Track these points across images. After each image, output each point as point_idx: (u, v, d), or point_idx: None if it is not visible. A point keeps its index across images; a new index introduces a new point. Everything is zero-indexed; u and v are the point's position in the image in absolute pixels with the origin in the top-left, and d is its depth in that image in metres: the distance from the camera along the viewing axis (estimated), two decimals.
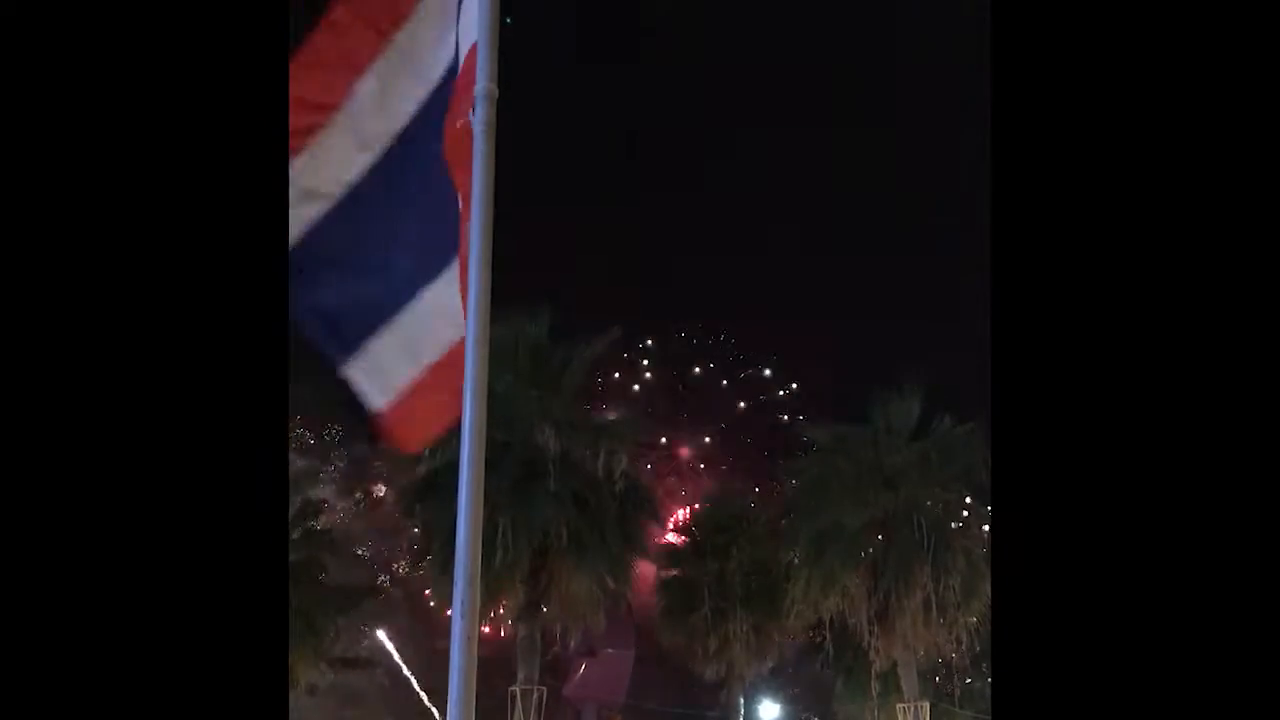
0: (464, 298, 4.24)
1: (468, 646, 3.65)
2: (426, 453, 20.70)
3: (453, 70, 4.41)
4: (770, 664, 28.79)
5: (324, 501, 29.23)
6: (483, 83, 4.17)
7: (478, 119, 4.14)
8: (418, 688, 48.76)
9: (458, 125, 4.25)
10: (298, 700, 24.42)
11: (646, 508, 23.55)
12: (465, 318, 4.14)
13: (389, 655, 48.66)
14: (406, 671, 49.41)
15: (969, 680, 27.43)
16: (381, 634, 50.39)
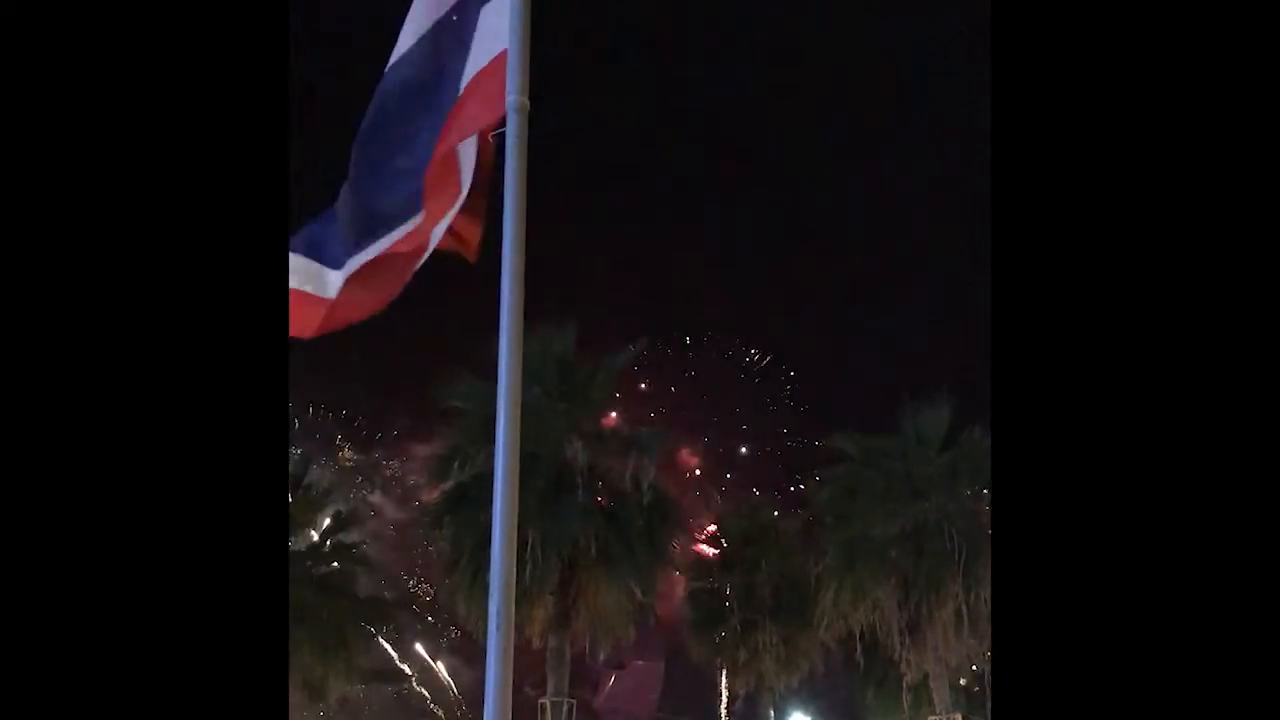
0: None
1: (503, 658, 3.63)
2: (456, 465, 20.76)
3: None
4: (800, 676, 28.58)
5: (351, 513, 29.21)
6: (513, 95, 4.11)
7: (509, 132, 4.09)
8: (455, 688, 48.68)
9: (489, 139, 4.23)
10: (319, 713, 24.42)
11: (674, 520, 23.47)
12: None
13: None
14: (448, 678, 49.35)
15: None
16: (386, 645, 50.42)
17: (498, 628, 3.64)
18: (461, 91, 4.34)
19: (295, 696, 21.55)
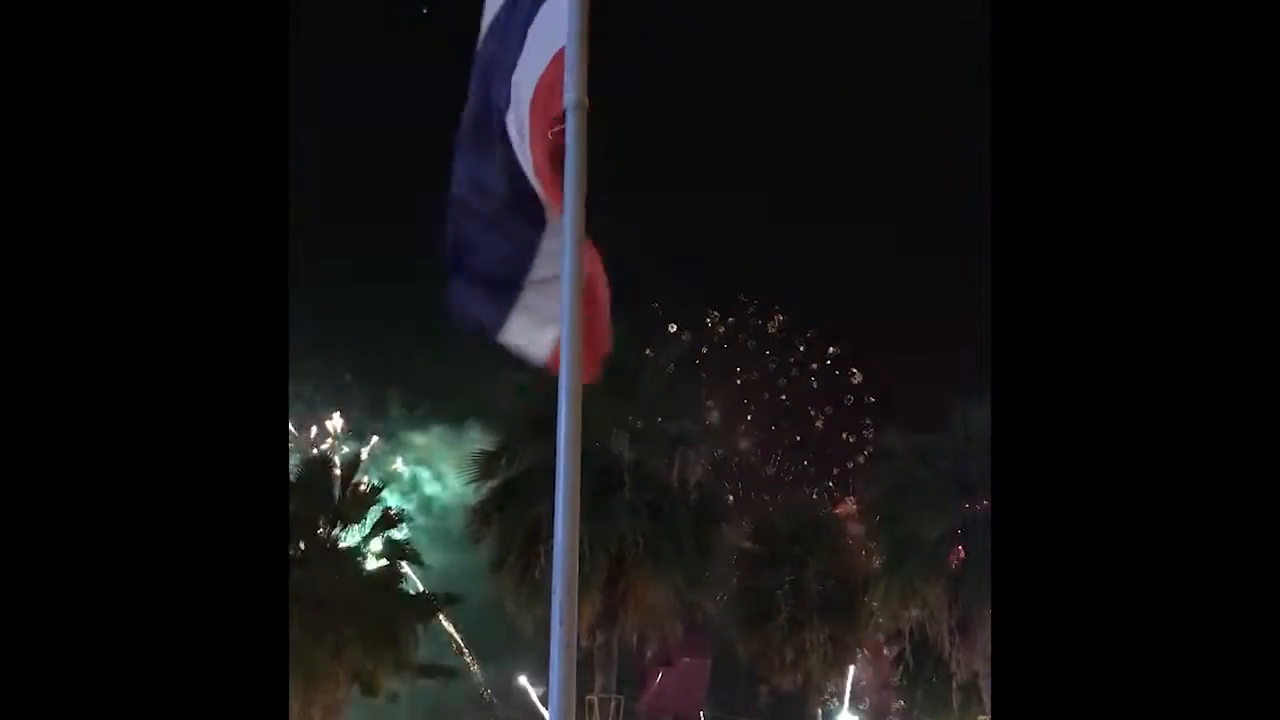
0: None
1: (566, 654, 3.64)
2: (504, 461, 20.86)
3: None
4: (848, 675, 28.46)
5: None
6: (572, 93, 4.09)
7: (569, 131, 4.06)
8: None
9: (548, 137, 4.20)
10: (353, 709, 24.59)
11: (721, 517, 23.42)
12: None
13: None
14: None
15: None
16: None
17: (560, 623, 3.65)
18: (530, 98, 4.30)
19: (344, 691, 21.79)
